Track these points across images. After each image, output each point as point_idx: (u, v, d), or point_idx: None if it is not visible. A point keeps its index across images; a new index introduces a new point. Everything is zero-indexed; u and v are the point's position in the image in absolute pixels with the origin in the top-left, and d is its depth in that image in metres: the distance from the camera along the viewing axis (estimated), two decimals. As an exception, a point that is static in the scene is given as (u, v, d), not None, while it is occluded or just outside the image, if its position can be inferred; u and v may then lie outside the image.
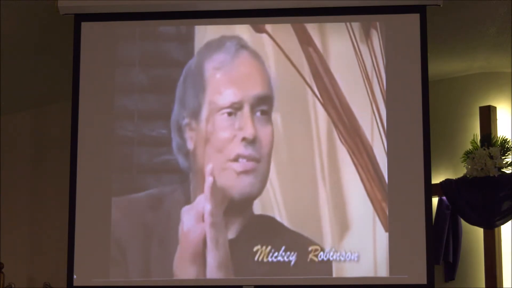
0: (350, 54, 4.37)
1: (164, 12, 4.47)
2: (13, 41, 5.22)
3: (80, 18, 4.50)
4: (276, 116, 4.34)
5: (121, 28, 4.49)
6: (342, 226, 4.26)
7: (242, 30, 4.42)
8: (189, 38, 4.44)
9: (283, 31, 4.41)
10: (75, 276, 4.31)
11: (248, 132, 4.23)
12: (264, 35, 4.42)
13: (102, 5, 4.47)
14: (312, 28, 4.41)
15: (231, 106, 4.26)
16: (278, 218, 4.26)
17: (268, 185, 4.29)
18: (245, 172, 4.24)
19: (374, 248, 4.23)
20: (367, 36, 4.39)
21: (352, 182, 4.28)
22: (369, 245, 4.24)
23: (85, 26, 4.49)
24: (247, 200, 4.27)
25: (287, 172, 4.30)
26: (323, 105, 4.34)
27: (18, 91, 6.21)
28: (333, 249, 4.26)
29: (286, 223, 4.27)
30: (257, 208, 4.28)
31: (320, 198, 4.27)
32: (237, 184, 4.24)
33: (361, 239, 4.24)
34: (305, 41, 4.39)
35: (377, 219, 4.25)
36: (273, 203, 4.28)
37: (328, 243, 4.25)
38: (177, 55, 4.42)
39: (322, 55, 4.38)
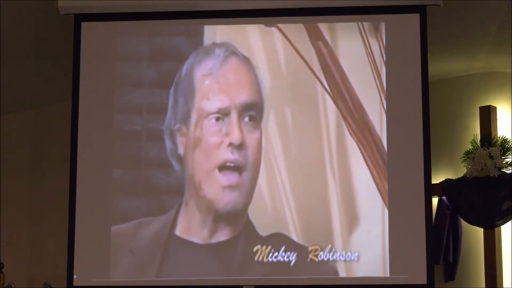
0: (359, 48, 4.38)
1: (165, 12, 4.48)
2: (13, 41, 5.23)
3: (80, 18, 4.51)
4: (285, 110, 4.36)
5: (122, 28, 4.50)
6: (352, 218, 4.26)
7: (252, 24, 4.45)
8: (198, 33, 4.45)
9: (293, 26, 4.42)
10: (75, 276, 4.31)
11: (235, 138, 4.26)
12: (274, 29, 4.43)
13: (102, 5, 4.47)
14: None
15: (219, 111, 4.29)
16: (286, 233, 4.28)
17: (277, 178, 4.30)
18: (230, 187, 4.26)
19: (383, 243, 4.23)
20: (376, 30, 4.40)
21: (361, 175, 4.29)
22: (376, 240, 4.23)
23: (85, 26, 4.50)
24: (233, 213, 4.28)
25: (297, 165, 4.32)
26: (332, 98, 4.35)
27: (18, 91, 6.21)
28: (333, 249, 4.26)
29: (295, 216, 4.27)
30: (266, 202, 4.29)
31: (329, 190, 4.28)
32: (220, 198, 4.27)
33: (371, 231, 4.24)
34: (315, 35, 4.41)
35: (386, 211, 4.26)
36: (282, 196, 4.29)
37: (337, 235, 4.26)
38: (185, 48, 4.44)
39: (332, 48, 4.39)
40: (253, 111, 4.32)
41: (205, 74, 4.36)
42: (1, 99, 6.17)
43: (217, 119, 4.29)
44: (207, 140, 4.30)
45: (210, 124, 4.30)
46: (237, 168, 4.27)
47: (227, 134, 4.28)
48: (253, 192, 4.29)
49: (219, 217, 4.29)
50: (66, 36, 4.78)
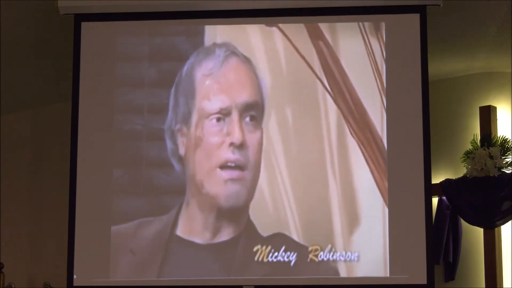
0: (360, 48, 4.38)
1: (165, 12, 4.48)
2: (13, 41, 5.22)
3: (80, 18, 4.51)
4: (286, 110, 4.36)
5: (122, 28, 4.50)
6: (352, 218, 4.27)
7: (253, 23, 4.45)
8: (199, 33, 4.45)
9: (293, 26, 4.42)
10: (75, 276, 4.31)
11: (236, 137, 4.26)
12: (275, 29, 4.43)
13: (102, 5, 4.47)
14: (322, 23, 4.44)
15: (220, 112, 4.30)
16: (287, 233, 4.28)
17: (278, 178, 4.30)
18: (232, 180, 4.27)
19: (383, 243, 4.23)
20: (376, 29, 4.40)
21: (362, 175, 4.29)
22: (376, 240, 4.23)
23: (85, 26, 4.50)
24: (235, 209, 4.28)
25: (297, 165, 4.32)
26: (333, 98, 4.36)
27: (18, 91, 6.21)
28: (333, 249, 4.26)
29: (296, 215, 4.27)
30: (267, 202, 4.29)
31: (330, 190, 4.29)
32: (223, 193, 4.26)
33: (371, 231, 4.24)
34: (315, 35, 4.41)
35: (386, 210, 4.26)
36: (283, 196, 4.29)
37: (338, 235, 4.26)
38: (186, 48, 4.44)
39: (332, 48, 4.39)
40: (254, 111, 4.32)
41: (206, 74, 4.37)
42: (1, 99, 6.17)
43: (218, 119, 4.30)
44: (208, 140, 4.30)
45: (211, 124, 4.31)
46: (238, 168, 4.27)
47: (228, 134, 4.28)
48: (254, 190, 4.29)
49: (222, 214, 4.28)
50: (66, 36, 4.78)
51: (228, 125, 4.29)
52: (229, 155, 4.27)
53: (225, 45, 4.41)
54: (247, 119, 4.31)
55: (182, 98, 4.37)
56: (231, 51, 4.39)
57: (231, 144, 4.27)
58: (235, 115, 4.29)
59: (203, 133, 4.31)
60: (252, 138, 4.30)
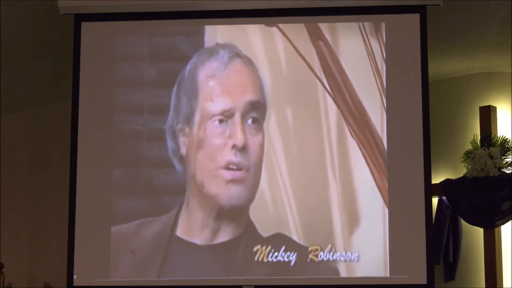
0: (360, 48, 4.38)
1: (165, 12, 4.48)
2: (13, 41, 5.22)
3: (80, 18, 4.51)
4: (286, 110, 4.36)
5: (122, 28, 4.50)
6: (352, 218, 4.27)
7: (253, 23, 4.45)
8: (199, 33, 4.45)
9: (293, 26, 4.42)
10: (75, 276, 4.31)
11: (238, 140, 4.27)
12: (274, 29, 4.43)
13: (102, 5, 4.48)
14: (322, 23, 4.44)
15: (222, 113, 4.30)
16: (287, 233, 4.28)
17: (278, 178, 4.30)
18: (234, 181, 4.27)
19: (383, 243, 4.23)
20: (376, 29, 4.40)
21: (362, 175, 4.29)
22: (376, 240, 4.23)
23: (85, 26, 4.50)
24: (236, 209, 4.28)
25: (297, 166, 4.32)
26: (333, 98, 4.36)
27: (18, 91, 6.21)
28: (333, 249, 4.26)
29: (296, 216, 4.27)
30: (267, 202, 4.29)
31: (330, 190, 4.29)
32: (224, 193, 4.26)
33: (371, 231, 4.24)
34: (315, 35, 4.41)
35: (386, 210, 4.26)
36: (283, 196, 4.30)
37: (338, 235, 4.26)
38: (186, 48, 4.44)
39: (332, 48, 4.39)
40: (256, 113, 4.32)
41: (209, 75, 4.37)
42: (1, 99, 6.17)
43: (221, 121, 4.30)
44: (210, 142, 4.30)
45: (213, 126, 4.31)
46: (240, 170, 4.28)
47: (230, 136, 4.28)
48: (256, 192, 4.29)
49: (222, 214, 4.28)
50: (66, 36, 4.78)
51: (230, 127, 4.29)
52: (231, 157, 4.27)
53: (228, 46, 4.41)
54: (250, 121, 4.31)
55: (184, 97, 4.38)
56: (235, 53, 4.39)
57: (234, 146, 4.27)
58: (237, 117, 4.29)
59: (206, 135, 4.32)
60: (254, 141, 4.31)
